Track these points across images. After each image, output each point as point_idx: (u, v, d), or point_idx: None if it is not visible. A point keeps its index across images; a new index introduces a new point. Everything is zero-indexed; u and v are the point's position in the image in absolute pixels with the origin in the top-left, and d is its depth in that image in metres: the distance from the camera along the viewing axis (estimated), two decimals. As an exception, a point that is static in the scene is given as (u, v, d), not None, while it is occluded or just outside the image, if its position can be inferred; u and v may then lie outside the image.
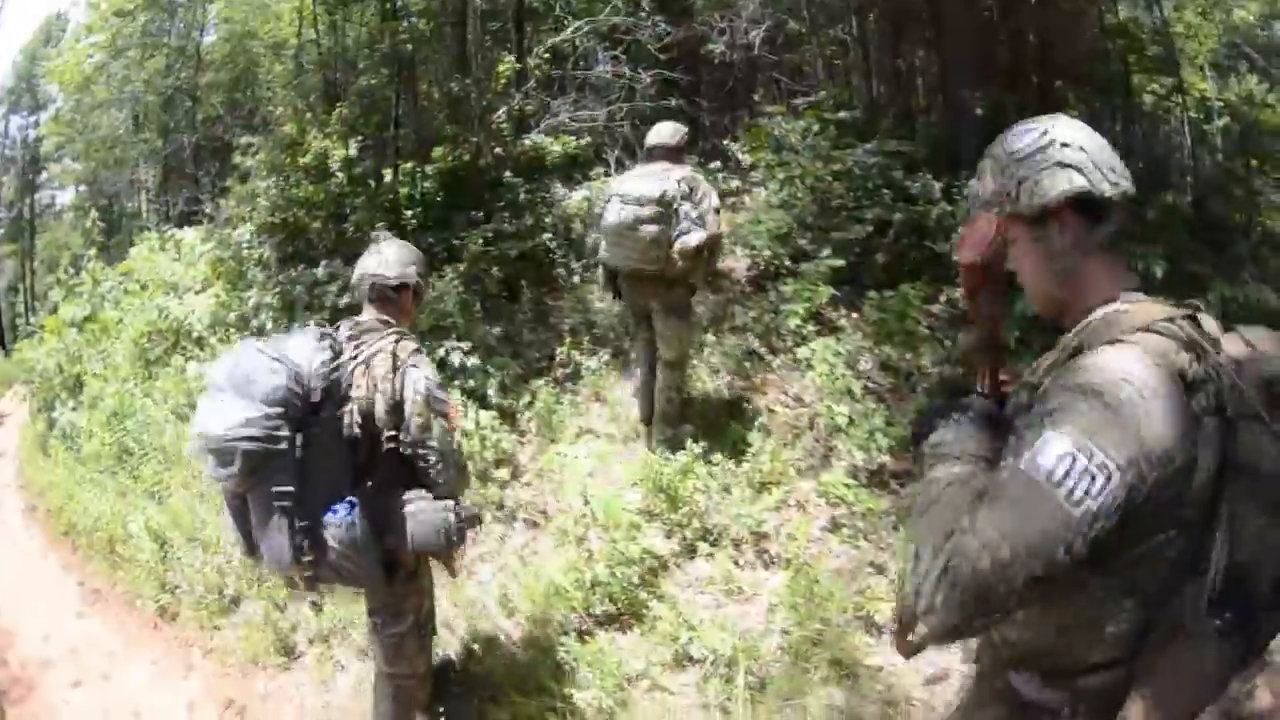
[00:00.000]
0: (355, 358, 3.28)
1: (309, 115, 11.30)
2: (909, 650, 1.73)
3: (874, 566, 4.77)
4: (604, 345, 7.55)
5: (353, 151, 10.46)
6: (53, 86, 26.14)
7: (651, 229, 5.20)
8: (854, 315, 6.93)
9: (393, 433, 3.24)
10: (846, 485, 5.21)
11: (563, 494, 5.28)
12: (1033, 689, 1.77)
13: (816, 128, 9.56)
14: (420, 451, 3.26)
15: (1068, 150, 1.72)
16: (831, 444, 5.84)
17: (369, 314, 3.53)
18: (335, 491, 3.05)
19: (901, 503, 5.25)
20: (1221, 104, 11.66)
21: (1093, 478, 1.41)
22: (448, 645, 4.63)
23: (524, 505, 5.68)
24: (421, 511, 3.26)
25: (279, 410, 2.88)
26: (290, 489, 2.91)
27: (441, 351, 6.73)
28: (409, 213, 9.77)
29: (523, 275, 8.40)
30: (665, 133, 5.61)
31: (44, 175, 30.12)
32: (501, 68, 11.13)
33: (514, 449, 6.34)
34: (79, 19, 25.60)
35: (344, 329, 3.41)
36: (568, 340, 7.37)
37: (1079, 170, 1.71)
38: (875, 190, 8.30)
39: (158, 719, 4.93)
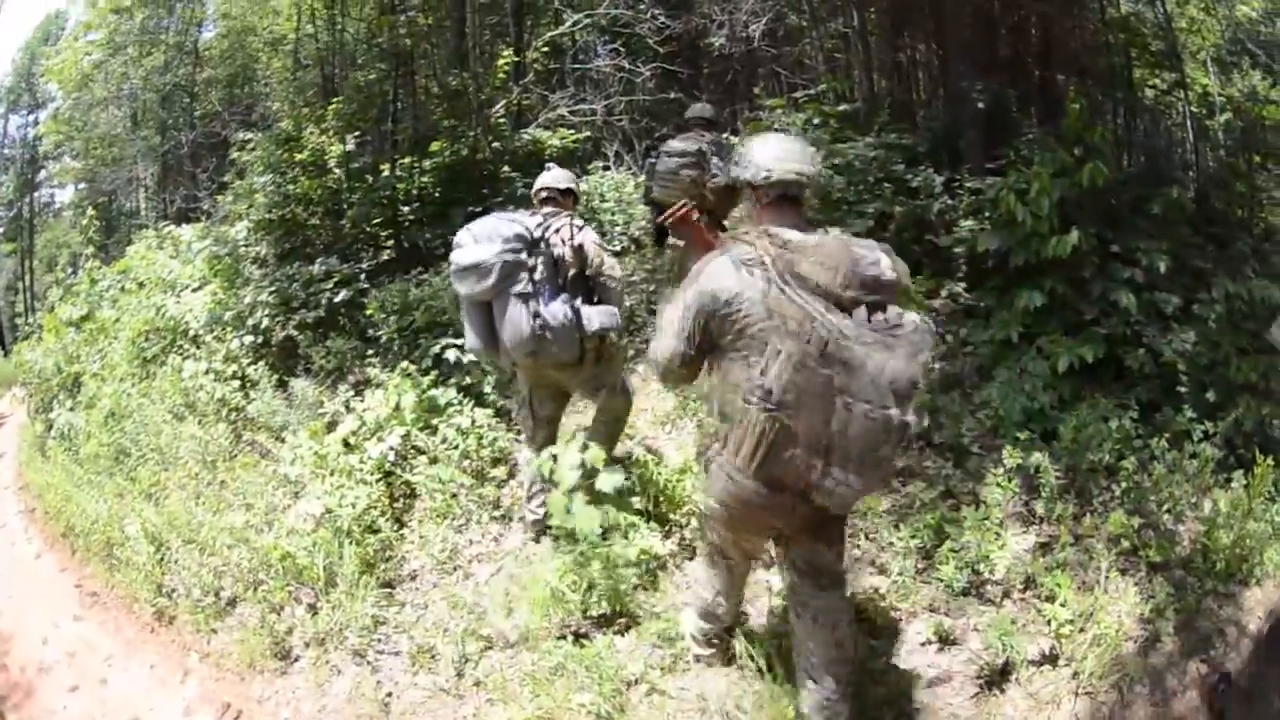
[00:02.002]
0: (548, 227, 4.73)
1: (305, 111, 11.25)
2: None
3: (875, 566, 4.72)
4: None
5: (350, 146, 10.38)
6: (52, 85, 26.01)
7: (690, 173, 6.94)
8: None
9: (576, 270, 4.75)
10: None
11: (552, 502, 5.19)
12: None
13: (816, 121, 9.58)
14: (600, 279, 4.84)
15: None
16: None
17: (547, 209, 5.00)
18: (553, 295, 4.61)
19: (902, 501, 5.22)
20: (1224, 99, 11.55)
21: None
22: (441, 652, 4.60)
23: (521, 505, 5.59)
24: (601, 312, 4.76)
25: (518, 244, 4.51)
26: (529, 290, 4.52)
27: (436, 349, 6.71)
28: (406, 208, 9.75)
29: (521, 271, 8.31)
30: (699, 109, 7.51)
31: (43, 174, 30.01)
32: (500, 61, 11.09)
33: (511, 447, 6.28)
34: (78, 16, 25.52)
35: (536, 217, 4.82)
36: None
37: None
38: (876, 184, 8.25)
39: (154, 724, 4.88)
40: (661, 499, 5.15)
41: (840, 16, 12.89)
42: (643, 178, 8.04)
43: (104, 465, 7.72)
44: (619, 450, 5.69)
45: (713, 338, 3.17)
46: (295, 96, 12.60)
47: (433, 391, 6.32)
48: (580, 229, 4.83)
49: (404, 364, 6.53)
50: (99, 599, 6.37)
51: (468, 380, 6.61)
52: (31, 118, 29.98)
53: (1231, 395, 5.94)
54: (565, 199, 5.12)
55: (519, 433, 6.23)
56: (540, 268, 4.57)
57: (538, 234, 4.63)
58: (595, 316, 4.71)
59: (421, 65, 11.03)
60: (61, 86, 23.93)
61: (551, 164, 5.50)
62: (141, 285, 11.21)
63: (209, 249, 10.22)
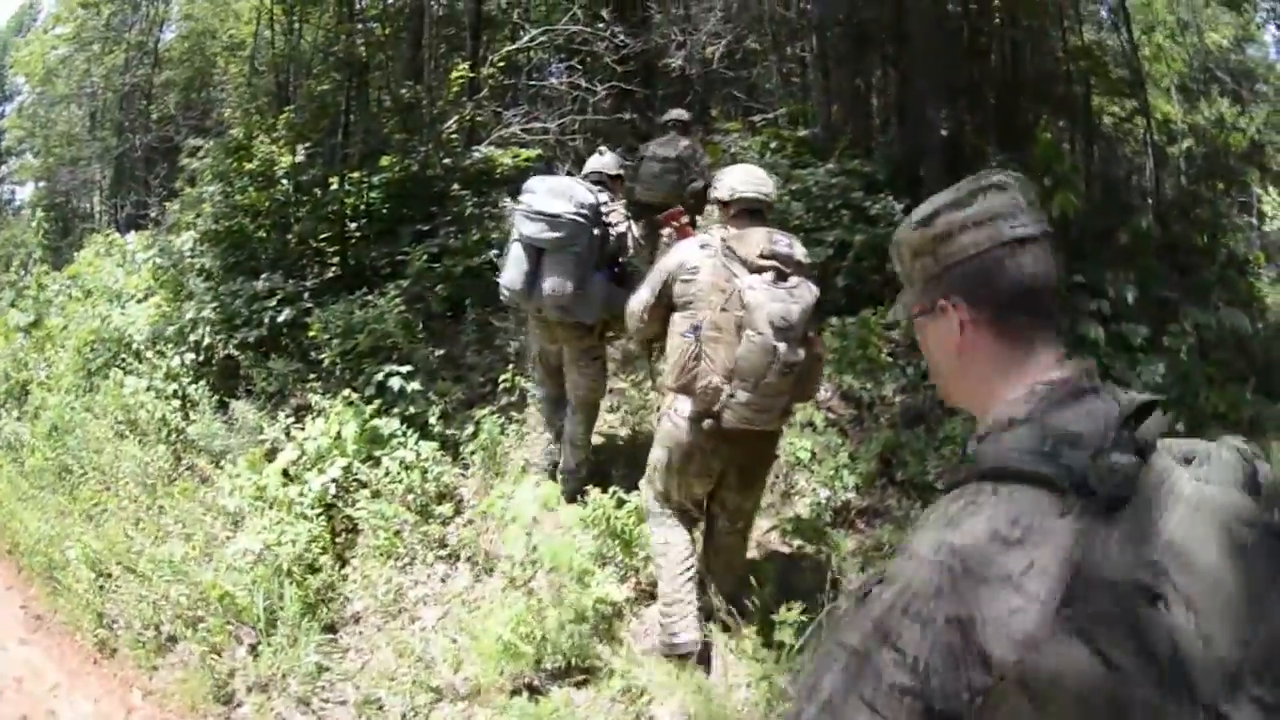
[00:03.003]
0: (609, 210, 5.28)
1: (256, 119, 11.05)
2: None
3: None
4: None
5: (300, 158, 10.03)
6: (20, 78, 25.61)
7: (672, 177, 7.81)
8: (812, 342, 6.77)
9: (613, 252, 5.29)
10: (811, 524, 5.19)
11: (507, 538, 5.01)
12: None
13: (774, 145, 9.50)
14: (629, 267, 5.32)
15: None
16: (793, 480, 5.75)
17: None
18: (596, 268, 5.13)
19: (868, 543, 5.15)
20: (1185, 127, 11.71)
21: None
22: (389, 704, 4.41)
23: (468, 544, 5.41)
24: (624, 294, 4.70)
25: (588, 212, 5.01)
26: (583, 254, 5.01)
27: (380, 375, 6.45)
28: (353, 224, 9.50)
29: (468, 293, 8.08)
30: (676, 113, 8.36)
31: (3, 169, 29.43)
32: (455, 74, 10.90)
33: (456, 483, 6.09)
34: (49, 8, 25.15)
35: (603, 195, 5.30)
36: (512, 365, 7.06)
37: None
38: (834, 211, 8.23)
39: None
40: (617, 540, 4.94)
41: (800, 41, 13.11)
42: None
43: (47, 480, 7.49)
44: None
45: (672, 297, 4.10)
46: (248, 103, 12.35)
47: (375, 422, 6.08)
48: (626, 219, 5.43)
49: (346, 391, 6.28)
50: (44, 623, 6.16)
51: (412, 410, 6.34)
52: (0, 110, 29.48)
53: (1202, 426, 5.89)
54: (615, 183, 5.66)
55: (465, 467, 6.17)
56: (595, 240, 5.10)
57: (602, 211, 5.17)
58: (620, 297, 4.89)
59: (375, 76, 10.86)
60: (28, 80, 23.56)
61: (604, 148, 6.10)
62: (88, 293, 10.95)
63: (152, 259, 10.00)
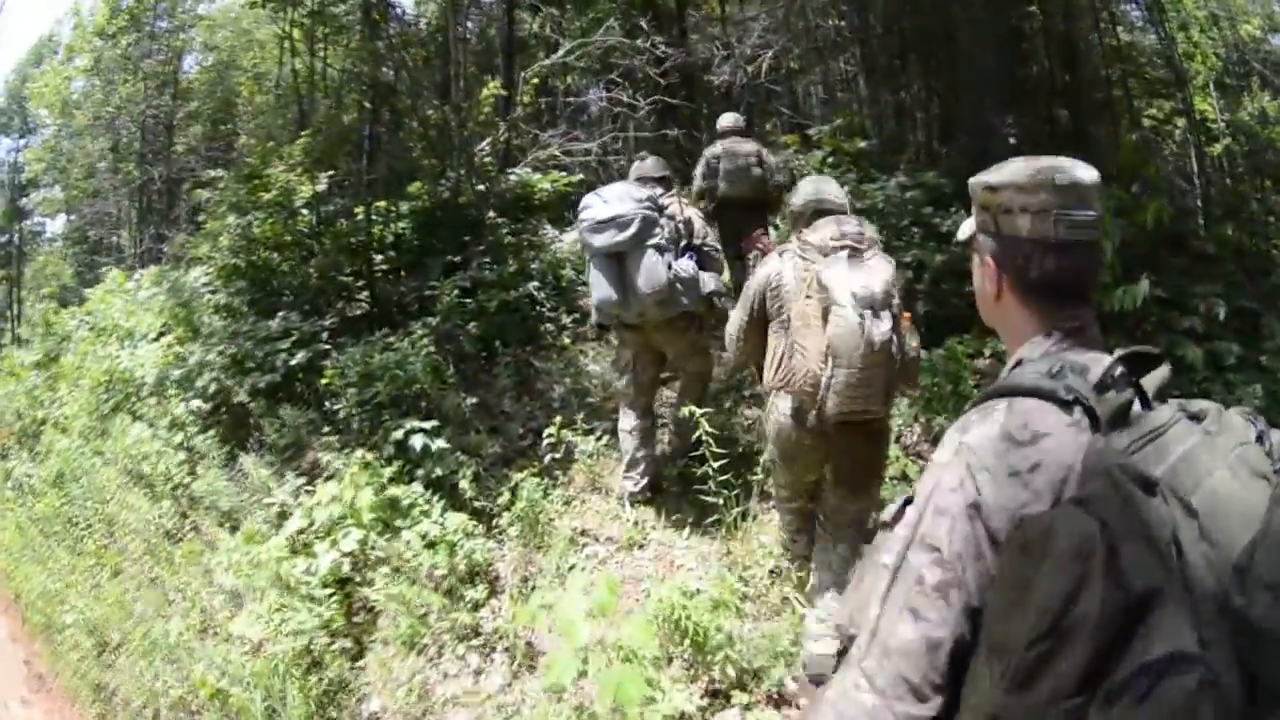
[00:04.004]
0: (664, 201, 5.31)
1: (271, 144, 10.30)
2: None
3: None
4: (600, 418, 6.41)
5: (321, 186, 9.27)
6: (44, 110, 25.36)
7: (758, 171, 7.43)
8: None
9: (685, 241, 5.30)
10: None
11: (554, 626, 4.13)
12: None
13: (831, 159, 8.82)
14: (705, 248, 5.37)
15: None
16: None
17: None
18: (677, 255, 5.13)
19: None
20: (1223, 124, 11.27)
21: None
22: None
23: (505, 634, 4.55)
24: (709, 276, 5.28)
25: (650, 205, 5.01)
26: (664, 244, 4.99)
27: (399, 433, 5.60)
28: (379, 256, 8.72)
29: (504, 332, 7.35)
30: (732, 119, 7.74)
31: (27, 202, 29.19)
32: (485, 92, 10.11)
33: (491, 558, 5.18)
34: (67, 39, 24.89)
35: (657, 189, 5.38)
36: (558, 416, 6.06)
37: None
38: (905, 229, 7.58)
39: None
40: (689, 643, 4.00)
41: (846, 52, 12.67)
42: (692, 186, 7.89)
43: (54, 529, 6.96)
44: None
45: (765, 312, 4.08)
46: (265, 129, 11.63)
47: (394, 490, 5.22)
48: (686, 205, 5.48)
49: (360, 452, 5.43)
50: (45, 683, 5.85)
51: (438, 472, 5.50)
52: (23, 142, 29.22)
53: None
54: (662, 184, 5.63)
55: (500, 538, 5.28)
56: (666, 229, 5.11)
57: (661, 202, 5.21)
58: (707, 279, 5.25)
59: (402, 98, 10.11)
60: (49, 112, 23.28)
61: (644, 153, 6.29)
62: (101, 331, 10.24)
63: (159, 296, 9.25)
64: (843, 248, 3.76)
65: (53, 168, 24.68)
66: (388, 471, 5.35)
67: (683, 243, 5.29)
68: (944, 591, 1.25)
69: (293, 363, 7.14)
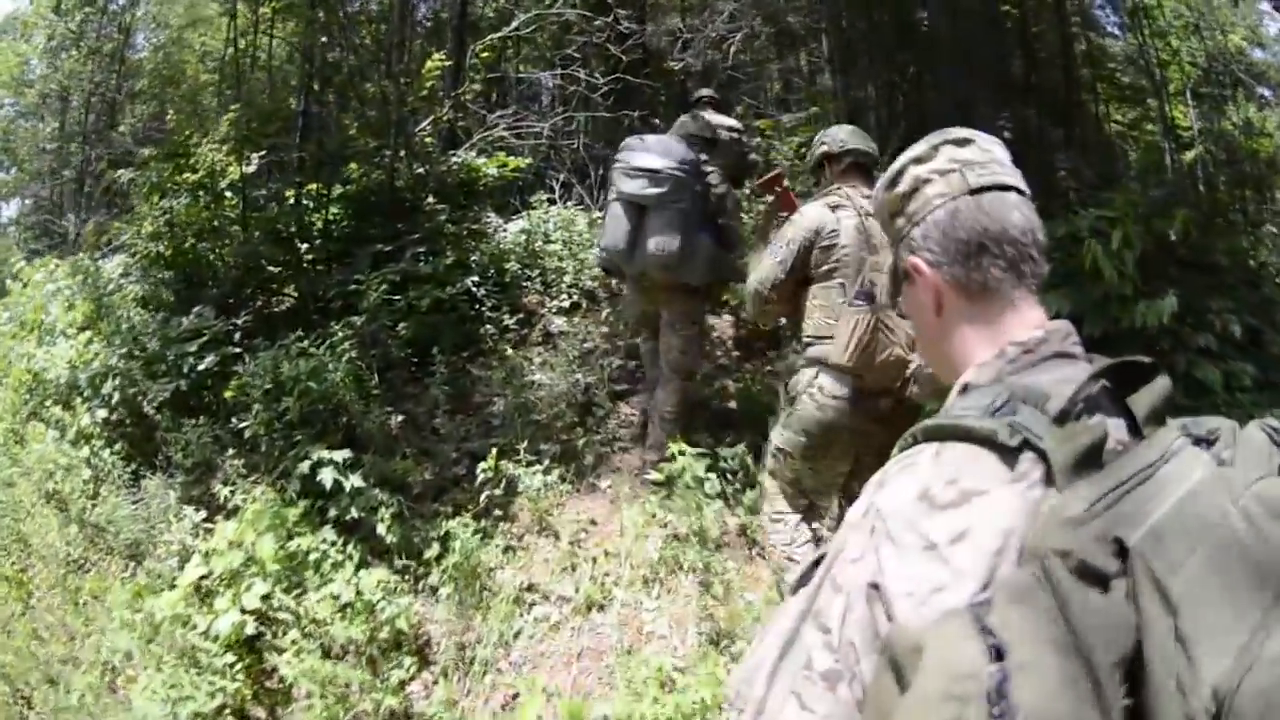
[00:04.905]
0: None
1: (196, 121, 9.41)
2: None
3: None
4: (549, 439, 5.63)
5: (251, 167, 8.39)
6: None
7: (738, 148, 6.35)
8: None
9: (713, 211, 5.15)
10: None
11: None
12: None
13: (805, 150, 8.19)
14: (730, 223, 5.39)
15: None
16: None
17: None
18: (699, 225, 4.92)
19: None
20: (1197, 132, 11.05)
21: None
22: None
23: (439, 715, 3.74)
24: (723, 255, 5.13)
25: (689, 168, 4.89)
26: (688, 209, 4.84)
27: (305, 466, 4.68)
28: (304, 245, 7.84)
29: (438, 335, 6.46)
30: (708, 91, 6.88)
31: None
32: (429, 65, 9.25)
33: (420, 621, 4.30)
34: (23, 15, 23.96)
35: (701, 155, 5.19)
36: (496, 442, 5.22)
37: None
38: None
39: None
40: None
41: (815, 41, 12.38)
42: (596, 213, 7.88)
43: None
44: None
45: (809, 267, 3.67)
46: (193, 104, 10.69)
47: (300, 541, 4.29)
48: (724, 180, 5.42)
49: (261, 489, 4.58)
50: None
51: (353, 514, 4.58)
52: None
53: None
54: (709, 146, 5.50)
55: (432, 595, 4.43)
56: (698, 196, 4.93)
57: (704, 169, 5.09)
58: (725, 261, 5.14)
59: (339, 69, 9.25)
60: (4, 91, 22.31)
61: (694, 112, 6.00)
62: (23, 325, 9.30)
63: (64, 288, 8.36)
64: None
65: (3, 150, 23.70)
66: (293, 512, 4.45)
67: (719, 218, 5.21)
68: (831, 683, 1.03)
69: (200, 367, 6.23)
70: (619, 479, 5.33)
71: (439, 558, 4.42)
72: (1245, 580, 0.77)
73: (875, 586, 1.00)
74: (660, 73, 11.72)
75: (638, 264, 4.97)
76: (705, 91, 6.83)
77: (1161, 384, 1.09)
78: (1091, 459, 0.95)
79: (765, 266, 3.81)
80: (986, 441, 1.02)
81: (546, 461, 5.16)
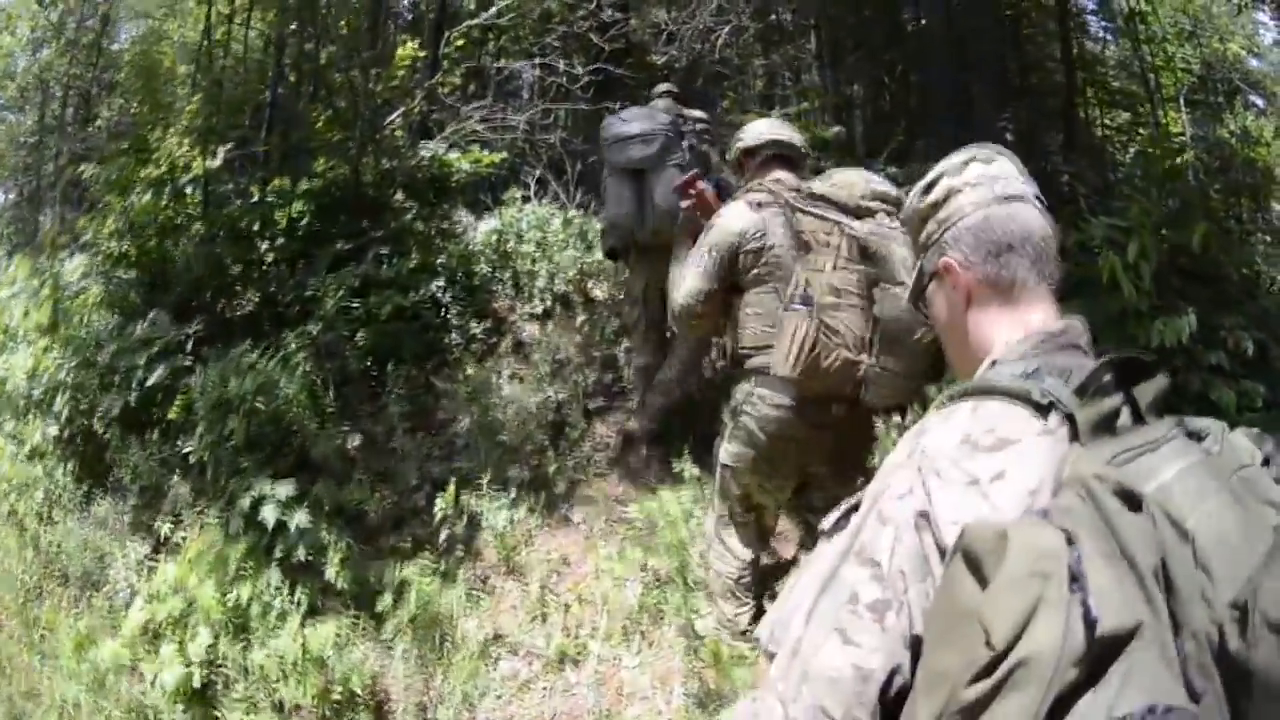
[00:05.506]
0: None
1: (156, 112, 8.98)
2: None
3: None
4: (517, 463, 5.23)
5: (216, 161, 7.89)
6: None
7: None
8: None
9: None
10: None
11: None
12: None
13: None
14: (723, 181, 4.79)
15: None
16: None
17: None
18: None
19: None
20: (1189, 139, 10.58)
21: None
22: None
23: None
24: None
25: (672, 128, 5.14)
26: (685, 162, 4.97)
27: (246, 501, 4.27)
28: (265, 245, 7.37)
29: (400, 343, 6.07)
30: (666, 87, 6.51)
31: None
32: (401, 53, 8.84)
33: (376, 678, 3.89)
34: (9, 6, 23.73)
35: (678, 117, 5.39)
36: (457, 471, 4.93)
37: None
38: None
39: None
40: None
41: (806, 36, 12.05)
42: (573, 211, 8.06)
43: None
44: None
45: (737, 274, 3.44)
46: (154, 94, 10.24)
47: (238, 590, 3.92)
48: (701, 141, 5.41)
49: (204, 524, 4.20)
50: None
51: (300, 555, 4.15)
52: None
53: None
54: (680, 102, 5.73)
55: (388, 648, 4.02)
56: (686, 153, 5.10)
57: (683, 128, 5.25)
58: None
59: (311, 57, 8.82)
60: (-10, 85, 22.11)
61: (664, 90, 6.04)
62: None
63: (20, 292, 7.94)
64: (878, 210, 3.26)
65: (-14, 144, 23.42)
66: (236, 551, 4.08)
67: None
68: (879, 613, 1.09)
69: (150, 381, 5.76)
70: (593, 511, 4.97)
71: (395, 605, 4.04)
72: (1242, 531, 0.88)
73: (924, 515, 1.10)
74: (643, 65, 11.37)
75: (650, 224, 5.05)
76: (664, 86, 6.55)
77: (1161, 380, 1.19)
78: (1107, 425, 1.10)
79: (689, 278, 3.56)
80: (1020, 398, 1.16)
81: (514, 491, 4.81)
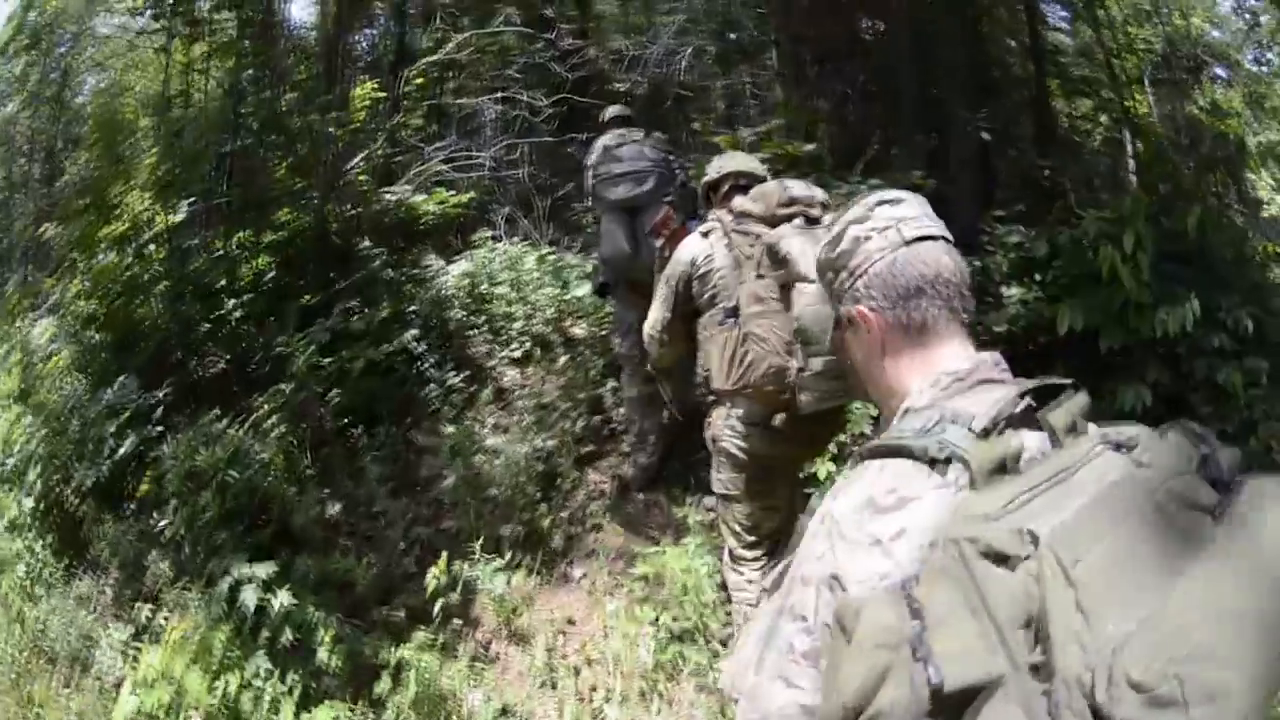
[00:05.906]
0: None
1: (116, 168, 8.75)
2: None
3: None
4: (509, 519, 5.01)
5: (179, 216, 7.65)
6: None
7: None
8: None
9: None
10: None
11: None
12: None
13: (776, 163, 7.90)
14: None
15: None
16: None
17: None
18: (690, 214, 4.63)
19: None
20: (1157, 119, 10.85)
21: None
22: None
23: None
24: None
25: (664, 165, 5.37)
26: (676, 201, 4.79)
27: (228, 581, 4.04)
28: (232, 302, 7.15)
29: (374, 400, 5.86)
30: (618, 108, 6.53)
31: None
32: (359, 93, 8.70)
33: None
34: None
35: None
36: (448, 529, 4.76)
37: None
38: None
39: None
40: None
41: (766, 53, 11.85)
42: (545, 248, 8.03)
43: None
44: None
45: (694, 299, 3.73)
46: (110, 152, 10.04)
47: (226, 679, 3.65)
48: (688, 177, 5.52)
49: (185, 607, 3.98)
50: None
51: (287, 638, 3.91)
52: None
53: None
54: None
55: None
56: (677, 190, 5.19)
57: (674, 169, 5.44)
58: None
59: (271, 104, 8.62)
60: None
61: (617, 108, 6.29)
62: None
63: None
64: (796, 215, 3.30)
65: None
66: (220, 636, 3.82)
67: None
68: (813, 659, 1.25)
69: (121, 451, 5.57)
70: (595, 565, 4.77)
71: (394, 687, 3.81)
72: (1136, 571, 0.94)
73: (835, 578, 1.22)
74: (605, 94, 11.25)
75: (642, 261, 5.05)
76: (614, 109, 6.48)
77: (1080, 399, 1.28)
78: (1011, 463, 1.16)
79: (653, 310, 3.90)
80: (920, 456, 1.25)
81: (509, 552, 4.61)
